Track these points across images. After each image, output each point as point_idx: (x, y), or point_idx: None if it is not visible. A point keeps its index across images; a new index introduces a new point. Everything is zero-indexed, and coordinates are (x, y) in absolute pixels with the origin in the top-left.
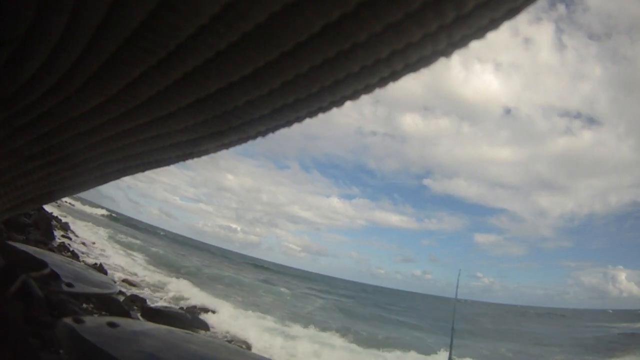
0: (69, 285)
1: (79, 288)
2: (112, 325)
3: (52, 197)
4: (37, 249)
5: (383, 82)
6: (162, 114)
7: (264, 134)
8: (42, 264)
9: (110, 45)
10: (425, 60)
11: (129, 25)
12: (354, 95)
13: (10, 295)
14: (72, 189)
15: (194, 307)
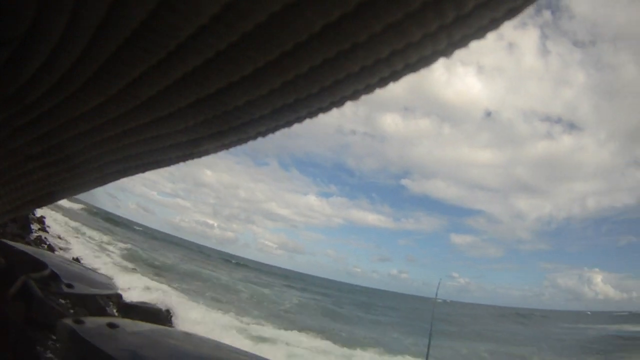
0: (69, 286)
1: (79, 289)
2: (112, 326)
3: (52, 198)
4: (37, 249)
5: (383, 82)
6: (162, 114)
7: (264, 134)
8: (42, 265)
9: (110, 45)
10: (426, 60)
11: (129, 25)
12: (355, 96)
13: (11, 297)
14: (72, 190)
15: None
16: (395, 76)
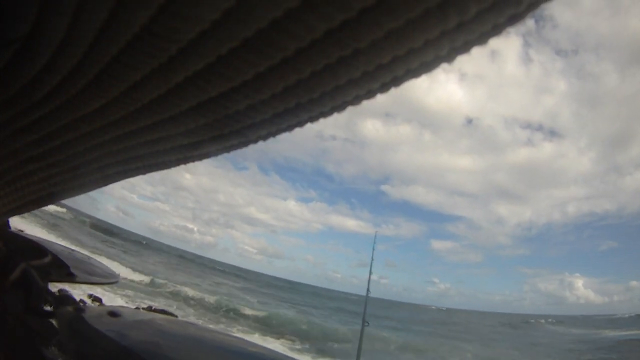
0: (70, 274)
1: (81, 277)
2: (113, 314)
3: (53, 199)
4: (38, 238)
5: (385, 87)
6: (164, 117)
7: (265, 137)
8: (43, 252)
9: (111, 48)
10: (427, 66)
11: (131, 29)
12: (356, 101)
13: (10, 284)
14: (72, 191)
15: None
16: (396, 82)
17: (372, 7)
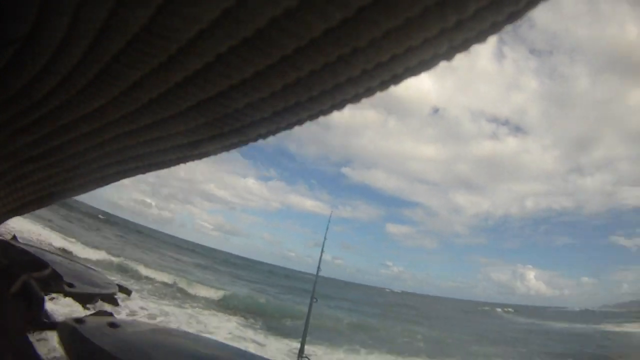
0: (70, 285)
1: (81, 288)
2: (113, 325)
3: (52, 199)
4: (38, 249)
5: (384, 85)
6: (163, 116)
7: (264, 136)
8: (43, 264)
9: (111, 48)
10: (426, 64)
11: (130, 28)
12: (355, 99)
13: (11, 296)
14: (72, 191)
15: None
16: (395, 80)
17: (370, 5)
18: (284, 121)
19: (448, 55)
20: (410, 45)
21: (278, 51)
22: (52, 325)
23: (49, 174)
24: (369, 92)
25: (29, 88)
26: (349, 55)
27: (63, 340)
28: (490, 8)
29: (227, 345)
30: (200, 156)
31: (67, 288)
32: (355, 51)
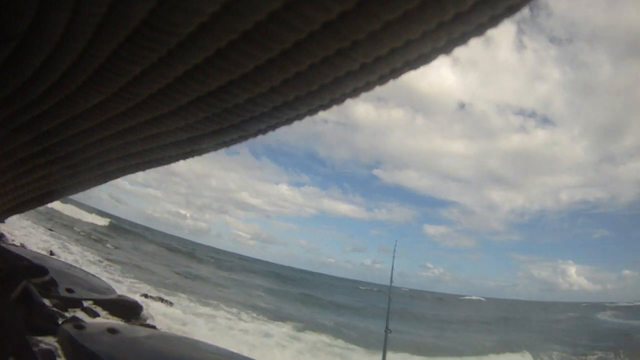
0: (69, 290)
1: (79, 293)
2: (112, 331)
3: (53, 197)
4: (37, 255)
5: (383, 79)
6: (163, 111)
7: (264, 131)
8: (43, 271)
9: (111, 43)
10: (425, 58)
11: (130, 23)
12: (354, 93)
13: (12, 302)
14: (72, 188)
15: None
16: (395, 73)
17: None
18: (283, 116)
19: (447, 49)
20: (409, 39)
21: (278, 45)
22: (52, 330)
23: (49, 171)
24: (369, 86)
25: (28, 85)
26: (348, 48)
27: (62, 346)
28: (489, 1)
29: (223, 350)
30: (200, 152)
31: (65, 293)
32: (355, 44)
